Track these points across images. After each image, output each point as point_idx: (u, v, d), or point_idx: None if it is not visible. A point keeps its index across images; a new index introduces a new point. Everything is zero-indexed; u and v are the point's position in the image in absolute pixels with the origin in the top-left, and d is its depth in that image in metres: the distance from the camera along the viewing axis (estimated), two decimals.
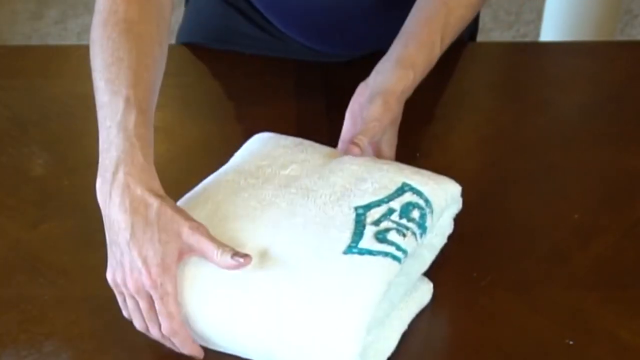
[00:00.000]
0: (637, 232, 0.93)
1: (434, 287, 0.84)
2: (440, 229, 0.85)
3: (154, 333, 0.76)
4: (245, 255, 0.73)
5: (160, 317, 0.74)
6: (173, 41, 1.31)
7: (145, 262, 0.72)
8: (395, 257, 0.75)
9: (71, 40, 2.76)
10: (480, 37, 1.31)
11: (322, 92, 1.05)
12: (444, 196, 0.82)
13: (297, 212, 0.78)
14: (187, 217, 0.74)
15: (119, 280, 0.75)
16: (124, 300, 0.77)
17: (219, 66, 1.17)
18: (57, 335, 0.81)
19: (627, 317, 0.83)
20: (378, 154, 0.90)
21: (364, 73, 1.14)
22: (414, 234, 0.78)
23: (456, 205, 0.86)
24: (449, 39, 0.94)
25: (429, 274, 0.84)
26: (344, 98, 1.00)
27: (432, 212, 0.80)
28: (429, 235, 0.81)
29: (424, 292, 0.83)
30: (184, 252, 0.74)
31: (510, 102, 1.10)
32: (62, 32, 2.81)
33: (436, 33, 0.92)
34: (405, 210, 0.79)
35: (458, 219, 0.89)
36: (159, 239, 0.72)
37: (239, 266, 0.72)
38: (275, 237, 0.76)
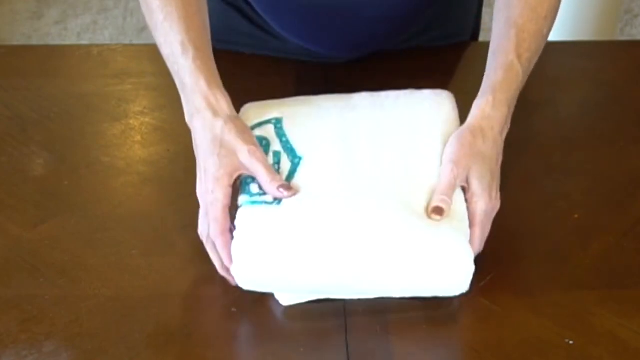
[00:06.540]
0: (637, 232, 0.93)
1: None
2: None
3: (208, 243, 0.85)
4: (290, 189, 0.83)
5: (209, 221, 0.83)
6: None
7: (205, 171, 0.84)
8: None
9: (71, 40, 2.76)
10: (482, 37, 1.31)
11: (322, 92, 1.05)
12: None
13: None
14: (249, 141, 0.85)
15: (197, 191, 0.87)
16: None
17: (219, 66, 1.16)
18: (57, 335, 0.81)
19: (627, 317, 0.83)
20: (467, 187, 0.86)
21: (364, 73, 1.14)
22: None
23: None
24: (528, 54, 0.91)
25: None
26: None
27: None
28: None
29: None
30: (239, 169, 0.84)
31: None
32: (62, 32, 2.81)
33: (511, 53, 0.90)
34: None
35: None
36: (219, 153, 0.84)
37: (282, 197, 0.83)
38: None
